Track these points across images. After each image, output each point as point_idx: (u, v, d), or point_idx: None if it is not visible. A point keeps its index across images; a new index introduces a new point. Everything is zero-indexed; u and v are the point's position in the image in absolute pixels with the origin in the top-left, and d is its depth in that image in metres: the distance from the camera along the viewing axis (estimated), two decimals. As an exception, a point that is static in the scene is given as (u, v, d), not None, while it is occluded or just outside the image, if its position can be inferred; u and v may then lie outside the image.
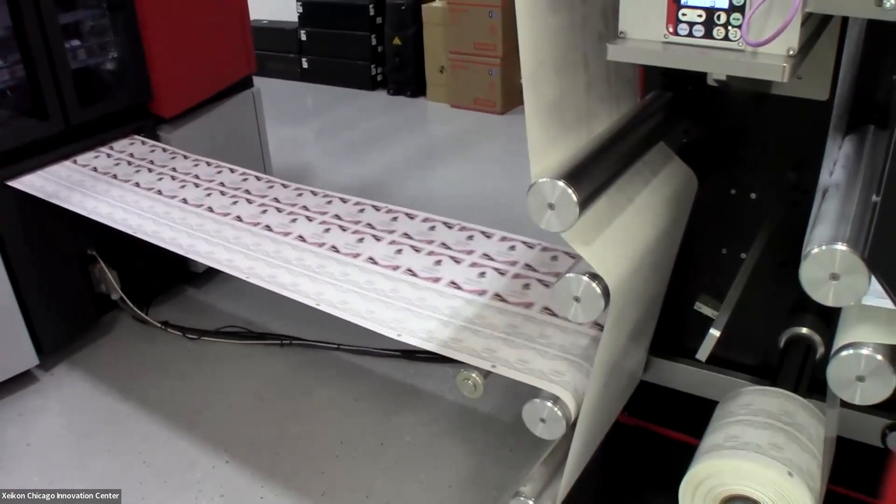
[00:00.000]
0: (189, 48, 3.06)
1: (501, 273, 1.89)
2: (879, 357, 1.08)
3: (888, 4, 0.93)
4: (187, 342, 3.01)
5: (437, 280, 1.87)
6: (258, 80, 3.50)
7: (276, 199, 2.37)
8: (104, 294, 2.98)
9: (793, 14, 0.96)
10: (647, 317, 1.68)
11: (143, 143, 2.89)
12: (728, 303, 1.51)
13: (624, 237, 1.34)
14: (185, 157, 2.74)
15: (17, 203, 2.57)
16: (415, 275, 1.90)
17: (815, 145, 1.40)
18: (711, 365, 1.70)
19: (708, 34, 1.05)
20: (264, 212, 2.30)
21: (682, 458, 1.33)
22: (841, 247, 1.02)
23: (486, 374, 1.56)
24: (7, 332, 2.62)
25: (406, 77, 5.93)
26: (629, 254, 1.34)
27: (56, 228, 2.69)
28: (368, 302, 1.80)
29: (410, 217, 2.19)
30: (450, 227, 2.11)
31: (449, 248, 2.01)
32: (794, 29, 0.98)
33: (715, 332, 1.44)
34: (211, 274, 3.27)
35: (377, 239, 2.07)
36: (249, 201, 2.38)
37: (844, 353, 1.10)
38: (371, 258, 1.98)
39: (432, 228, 2.11)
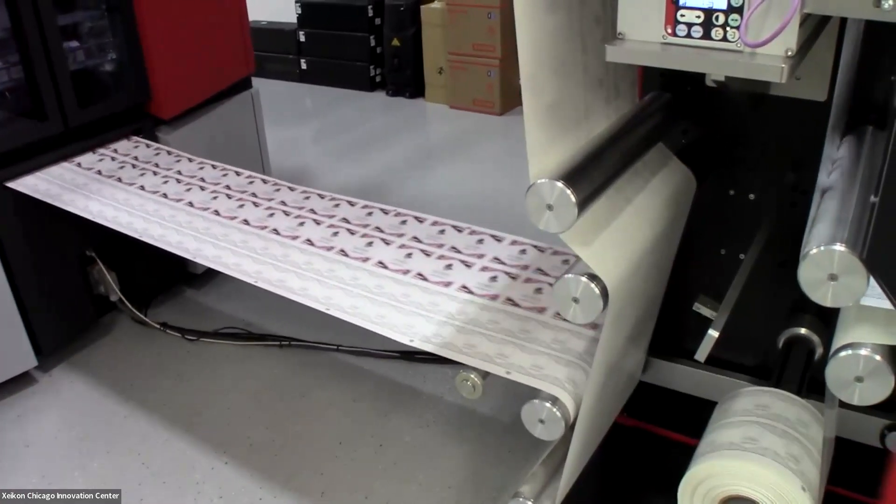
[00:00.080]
0: (188, 49, 3.06)
1: (513, 277, 1.87)
2: (878, 357, 1.08)
3: (886, 5, 0.93)
4: (186, 343, 3.01)
5: (448, 284, 1.85)
6: (257, 81, 3.50)
7: (284, 203, 2.35)
8: (103, 295, 2.98)
9: (791, 15, 0.96)
10: (646, 317, 1.68)
11: (148, 146, 2.87)
12: (727, 303, 1.52)
13: (623, 238, 1.34)
14: (191, 160, 2.72)
15: (16, 204, 2.57)
16: (425, 279, 1.88)
17: (813, 146, 1.40)
18: (710, 365, 1.70)
19: (706, 35, 1.05)
20: (272, 215, 2.28)
21: (681, 458, 1.33)
22: (839, 247, 1.02)
23: (485, 375, 1.56)
24: (6, 334, 2.62)
25: (405, 78, 5.93)
26: (628, 254, 1.34)
27: (55, 230, 2.69)
28: (379, 306, 1.78)
29: (419, 220, 2.17)
30: (459, 230, 2.09)
31: (459, 251, 1.99)
32: (793, 30, 0.98)
33: (714, 333, 1.45)
34: (210, 275, 3.27)
35: (386, 243, 2.06)
36: (256, 204, 2.36)
37: (843, 353, 1.11)
38: (381, 262, 1.96)
39: (442, 232, 2.09)
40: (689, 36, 1.06)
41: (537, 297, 1.79)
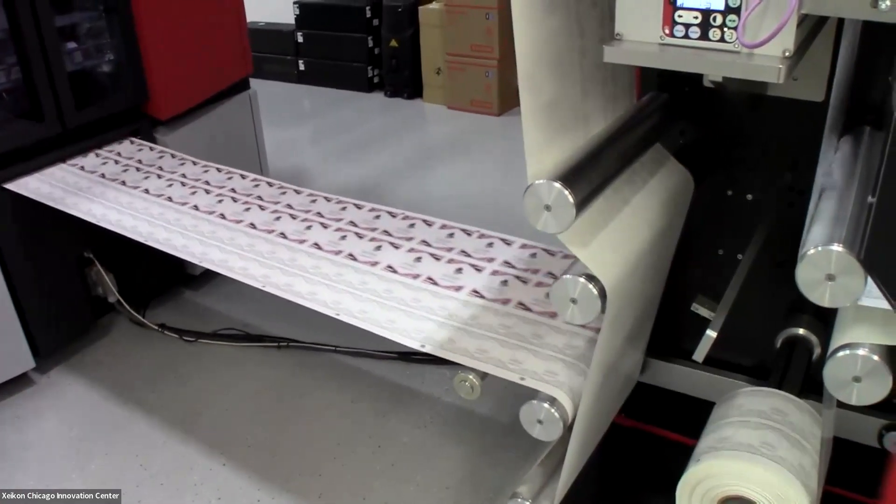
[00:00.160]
0: (185, 50, 3.06)
1: (524, 281, 1.85)
2: (876, 358, 1.08)
3: (883, 6, 0.93)
4: (184, 345, 3.00)
5: (459, 289, 1.83)
6: (255, 82, 3.50)
7: (290, 206, 2.33)
8: (101, 297, 2.98)
9: (788, 15, 0.96)
10: (644, 318, 1.68)
11: (151, 148, 2.86)
12: (725, 304, 1.52)
13: (620, 238, 1.34)
14: (195, 164, 2.70)
15: (14, 206, 2.57)
16: (436, 283, 1.86)
17: (811, 146, 1.41)
18: (708, 366, 1.70)
19: (704, 36, 1.05)
20: (278, 219, 2.25)
21: (680, 459, 1.33)
22: (837, 248, 1.02)
23: (483, 376, 1.55)
24: (3, 335, 2.62)
25: (403, 79, 5.93)
26: (626, 255, 1.34)
27: (53, 231, 2.69)
28: (388, 311, 1.77)
29: (428, 224, 2.14)
30: (469, 234, 2.08)
31: (469, 255, 1.97)
32: (790, 30, 0.98)
33: (711, 333, 1.45)
34: (208, 276, 3.27)
35: (395, 247, 2.04)
36: (262, 208, 2.33)
37: (841, 353, 1.11)
38: (390, 266, 1.94)
39: (451, 235, 2.07)
40: (686, 36, 1.06)
41: (549, 301, 1.78)
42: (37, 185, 2.59)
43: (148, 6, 2.85)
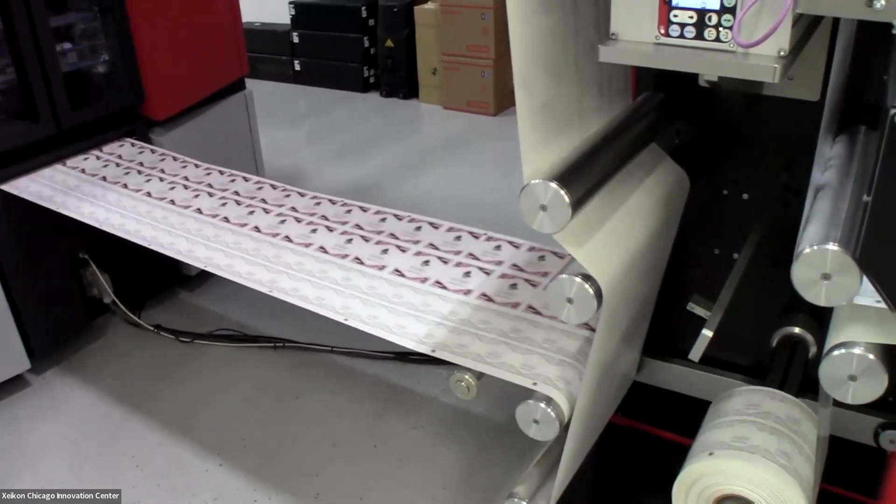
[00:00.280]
0: (181, 50, 3.06)
1: (533, 285, 1.84)
2: (871, 356, 1.08)
3: (878, 5, 0.93)
4: (180, 345, 3.00)
5: (468, 292, 1.82)
6: (250, 83, 3.50)
7: (294, 209, 2.30)
8: (96, 298, 2.97)
9: (783, 15, 0.96)
10: (640, 317, 1.68)
11: (153, 151, 2.84)
12: (721, 303, 1.52)
13: (616, 238, 1.34)
14: (197, 166, 2.67)
15: (8, 207, 2.56)
16: (444, 287, 1.84)
17: (806, 146, 1.41)
18: (704, 365, 1.70)
19: (699, 35, 1.05)
20: (283, 222, 2.23)
21: (676, 458, 1.33)
22: (832, 247, 1.02)
23: (480, 376, 1.55)
24: (-1, 336, 2.61)
25: (399, 79, 5.93)
26: (622, 255, 1.34)
27: (48, 232, 2.68)
28: (398, 316, 1.75)
29: (435, 227, 2.12)
30: (476, 236, 2.05)
31: (477, 258, 1.95)
32: (785, 30, 0.98)
33: (707, 333, 1.45)
34: (204, 277, 3.26)
35: (402, 250, 2.02)
36: (266, 211, 2.31)
37: (836, 352, 1.11)
38: (397, 270, 1.93)
39: (458, 238, 2.05)
40: (682, 36, 1.06)
41: None
42: (32, 186, 2.58)
43: (143, 7, 2.85)
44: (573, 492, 1.59)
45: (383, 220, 2.19)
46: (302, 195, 2.40)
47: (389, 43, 5.87)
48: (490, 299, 1.79)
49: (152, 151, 2.84)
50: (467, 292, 1.82)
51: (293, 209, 2.30)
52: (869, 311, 1.08)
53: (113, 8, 2.80)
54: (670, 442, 1.88)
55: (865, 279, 1.02)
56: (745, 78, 1.04)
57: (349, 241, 2.09)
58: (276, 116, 5.56)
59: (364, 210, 2.26)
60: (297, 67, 6.44)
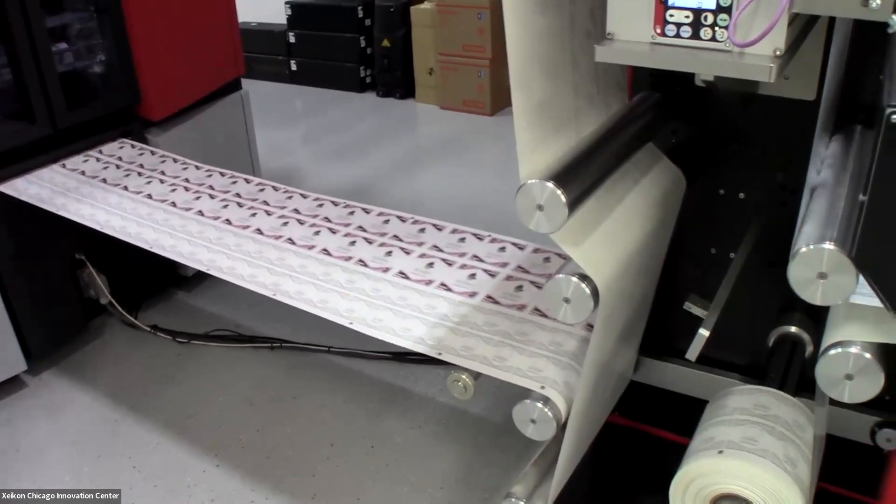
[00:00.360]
0: (177, 51, 3.05)
1: (539, 287, 1.83)
2: (868, 355, 1.09)
3: (874, 4, 0.94)
4: (177, 346, 3.00)
5: (473, 295, 1.81)
6: (246, 83, 3.49)
7: (297, 210, 2.29)
8: (93, 299, 2.97)
9: (779, 14, 0.96)
10: (637, 317, 1.68)
11: (153, 153, 2.82)
12: (717, 302, 1.52)
13: (613, 238, 1.34)
14: (198, 168, 2.66)
15: (5, 207, 2.55)
16: (449, 289, 1.83)
17: (802, 145, 1.41)
18: (701, 364, 1.71)
19: (695, 35, 1.05)
20: (285, 224, 2.22)
21: (673, 457, 1.33)
22: (828, 246, 1.02)
23: (477, 376, 1.55)
24: (-5, 338, 2.61)
25: (395, 79, 5.93)
26: (618, 254, 1.34)
27: (44, 233, 2.68)
28: (403, 319, 1.73)
29: (438, 228, 2.11)
30: (480, 238, 2.04)
31: (482, 260, 1.94)
32: (781, 29, 0.98)
33: (704, 332, 1.45)
34: (200, 277, 3.26)
35: (406, 252, 2.00)
36: (269, 213, 2.29)
37: (833, 351, 1.11)
38: (402, 272, 1.92)
39: (462, 240, 2.04)
40: (678, 36, 1.06)
41: None
42: (28, 187, 2.58)
43: (139, 7, 2.84)
44: (570, 491, 1.59)
45: (386, 221, 2.18)
46: (304, 197, 2.38)
47: (386, 43, 5.86)
48: (496, 301, 1.78)
49: (153, 153, 2.82)
50: (472, 294, 1.81)
51: (296, 211, 2.29)
52: (865, 311, 1.08)
53: (109, 8, 2.80)
54: (667, 441, 1.88)
55: (861, 278, 1.02)
56: (741, 77, 1.04)
57: (352, 243, 2.08)
58: (273, 117, 5.56)
59: (367, 212, 2.24)
60: (294, 67, 6.44)
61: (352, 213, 2.25)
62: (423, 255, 1.99)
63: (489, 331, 1.67)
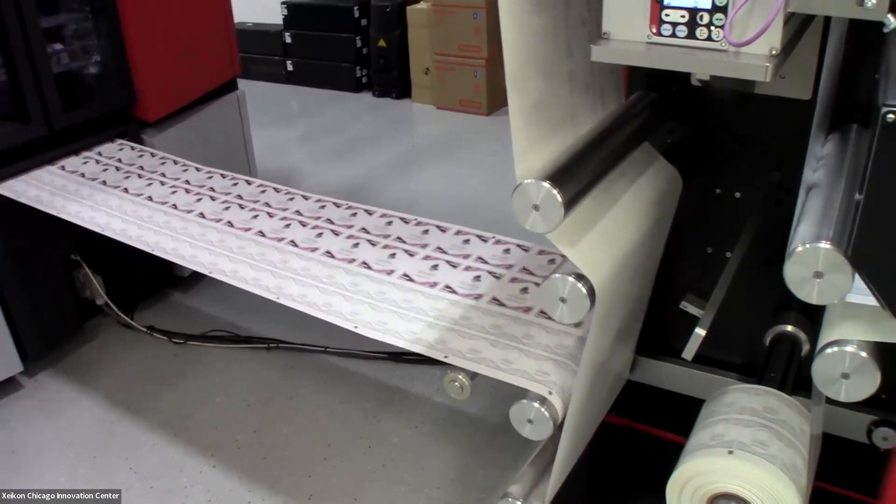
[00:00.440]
0: (173, 51, 3.05)
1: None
2: (864, 354, 1.09)
3: (869, 4, 0.94)
4: (173, 347, 2.99)
5: (478, 297, 1.79)
6: (243, 83, 3.49)
7: (299, 212, 2.27)
8: (89, 299, 2.96)
9: (775, 14, 0.96)
10: (633, 316, 1.68)
11: (153, 154, 2.80)
12: (713, 302, 1.52)
13: (609, 237, 1.34)
14: (198, 170, 2.64)
15: (0, 208, 2.55)
16: (454, 292, 1.82)
17: (798, 144, 1.41)
18: (698, 364, 1.71)
19: (691, 35, 1.05)
20: (287, 226, 2.20)
21: (670, 457, 1.34)
22: (825, 245, 1.03)
23: (473, 376, 1.55)
24: (-9, 339, 2.60)
25: (391, 79, 5.93)
26: (614, 254, 1.34)
27: (39, 233, 2.67)
28: (408, 322, 1.71)
29: (442, 230, 2.10)
30: (485, 240, 2.03)
31: (486, 262, 1.93)
32: (777, 29, 0.98)
33: (701, 331, 1.45)
34: (196, 278, 3.26)
35: (410, 254, 1.99)
36: (270, 215, 2.27)
37: (829, 350, 1.11)
38: (406, 275, 1.90)
39: (466, 242, 2.03)
40: (673, 35, 1.07)
41: None
42: (23, 188, 2.57)
43: (134, 7, 2.84)
44: (568, 491, 1.59)
45: (389, 223, 2.16)
46: (306, 198, 2.36)
47: (382, 43, 5.86)
48: (501, 304, 1.77)
49: (152, 155, 2.81)
50: (478, 297, 1.80)
51: (297, 213, 2.27)
52: (861, 309, 1.09)
53: (104, 8, 2.79)
54: (664, 440, 1.88)
55: (857, 277, 1.02)
56: (736, 77, 1.04)
57: (356, 245, 2.06)
58: (269, 117, 5.56)
59: (370, 213, 2.23)
60: (290, 68, 6.43)
61: (354, 214, 2.23)
62: (427, 258, 1.98)
63: (495, 333, 1.66)
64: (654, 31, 1.08)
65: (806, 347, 1.57)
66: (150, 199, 2.45)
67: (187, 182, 2.56)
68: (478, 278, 1.87)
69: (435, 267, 1.93)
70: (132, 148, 2.87)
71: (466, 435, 2.49)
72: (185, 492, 2.32)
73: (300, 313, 1.81)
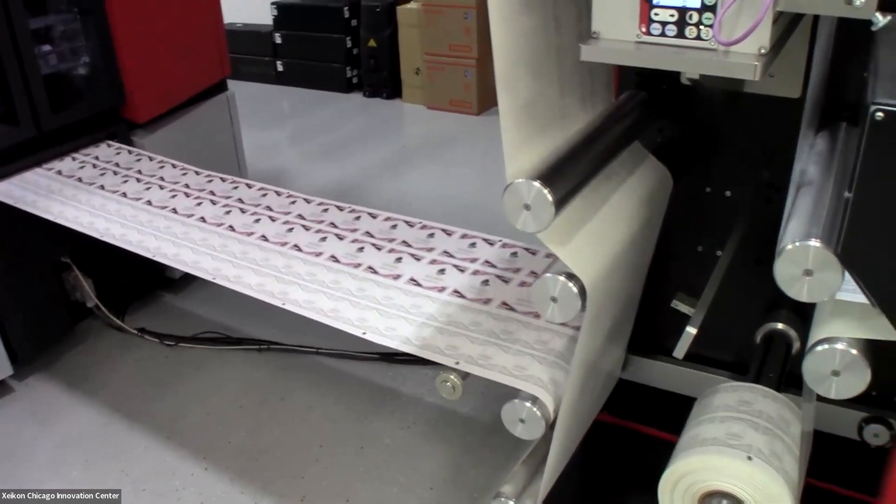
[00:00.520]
0: (162, 52, 3.04)
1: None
2: (854, 351, 1.09)
3: (858, 2, 0.94)
4: (164, 349, 2.98)
5: (487, 301, 1.78)
6: (233, 84, 3.48)
7: (301, 216, 2.24)
8: (79, 302, 2.95)
9: (763, 13, 0.97)
10: (625, 315, 1.68)
11: (151, 158, 2.77)
12: (704, 300, 1.52)
13: (600, 237, 1.35)
14: (198, 174, 2.61)
15: (-11, 211, 2.54)
16: (462, 296, 1.80)
17: (788, 142, 1.41)
18: (689, 362, 1.71)
19: (680, 34, 1.06)
20: (290, 230, 2.17)
21: (662, 455, 1.34)
22: (814, 243, 1.03)
23: (465, 376, 1.55)
24: (-20, 342, 2.59)
25: (382, 79, 5.92)
26: (605, 253, 1.35)
27: (29, 236, 2.65)
28: (417, 327, 1.69)
29: (448, 234, 2.07)
30: (491, 243, 2.01)
31: (494, 266, 1.91)
32: (766, 27, 0.99)
33: (692, 330, 1.45)
34: (187, 279, 3.25)
35: (416, 258, 1.96)
36: (273, 219, 2.24)
37: (819, 348, 1.11)
38: (413, 279, 1.88)
39: (473, 245, 2.01)
40: (663, 35, 1.07)
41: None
42: (12, 190, 2.56)
43: (123, 8, 2.83)
44: (560, 490, 1.59)
45: (394, 226, 2.14)
46: (308, 202, 2.34)
47: (372, 43, 5.86)
48: (511, 308, 1.75)
49: (150, 159, 2.77)
50: (487, 301, 1.78)
51: (300, 216, 2.25)
52: (851, 307, 1.09)
53: (93, 9, 2.78)
54: (656, 439, 1.89)
55: (847, 275, 1.03)
56: (726, 76, 1.05)
57: (361, 249, 2.04)
58: (259, 118, 5.54)
59: (373, 217, 2.20)
60: (280, 68, 6.42)
61: (358, 217, 2.21)
62: (433, 262, 1.95)
63: (506, 339, 1.64)
64: (644, 30, 1.08)
65: (797, 345, 1.57)
66: (149, 203, 2.42)
67: (187, 186, 2.53)
68: (486, 282, 1.85)
69: (442, 271, 1.91)
70: (129, 151, 2.85)
71: (458, 435, 2.49)
72: (178, 494, 2.32)
73: (292, 315, 1.81)
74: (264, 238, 2.14)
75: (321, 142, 5.18)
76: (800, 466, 1.27)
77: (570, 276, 1.25)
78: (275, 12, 6.29)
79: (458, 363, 1.56)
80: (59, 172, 2.69)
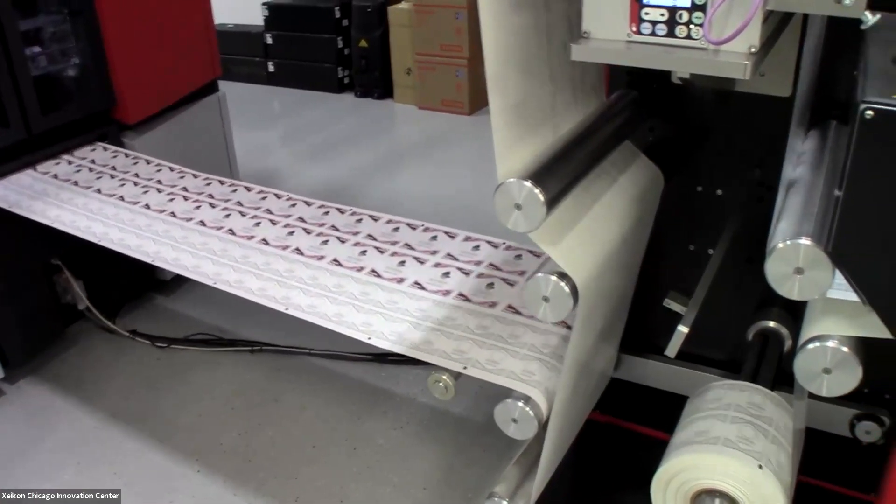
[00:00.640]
0: (153, 53, 3.03)
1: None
2: (845, 349, 1.10)
3: (847, 1, 0.94)
4: (156, 351, 2.97)
5: (493, 305, 1.77)
6: (224, 85, 3.47)
7: (302, 219, 2.22)
8: (70, 304, 2.94)
9: (753, 12, 0.97)
10: (617, 314, 1.69)
11: (149, 161, 2.75)
12: (696, 299, 1.53)
13: (591, 236, 1.35)
14: (196, 176, 2.60)
15: (-21, 213, 2.53)
16: (468, 300, 1.79)
17: (778, 141, 1.42)
18: (681, 361, 1.72)
19: (671, 33, 1.06)
20: (291, 233, 2.16)
21: (655, 453, 1.34)
22: (805, 241, 1.03)
23: (457, 376, 1.55)
24: (-29, 345, 2.58)
25: (373, 79, 5.92)
26: (597, 252, 1.35)
27: (19, 238, 2.64)
28: (424, 332, 1.68)
29: (451, 236, 2.06)
30: (495, 246, 2.00)
31: (499, 269, 1.90)
32: (755, 26, 0.99)
33: (683, 328, 1.45)
34: (179, 281, 3.24)
35: (420, 262, 1.96)
36: (273, 222, 2.23)
37: (811, 345, 1.12)
38: (417, 283, 1.87)
39: (476, 248, 2.00)
40: (653, 34, 1.07)
41: None
42: (2, 192, 2.55)
43: (113, 9, 2.82)
44: (553, 490, 1.59)
45: (396, 229, 2.13)
46: (308, 204, 2.32)
47: (363, 43, 5.86)
48: (517, 311, 1.74)
49: (147, 162, 2.75)
50: (492, 304, 1.78)
51: (301, 219, 2.23)
52: (842, 305, 1.09)
53: (83, 11, 2.77)
54: (649, 437, 1.89)
55: (838, 273, 1.03)
56: (716, 75, 1.05)
57: (363, 252, 2.03)
58: (251, 118, 5.53)
59: (375, 219, 2.19)
60: (271, 69, 6.41)
61: (359, 220, 2.20)
62: (437, 265, 1.95)
63: (513, 343, 1.63)
64: (634, 29, 1.08)
65: (788, 343, 1.58)
66: (147, 206, 2.41)
67: (185, 189, 2.52)
68: (491, 286, 1.85)
69: (447, 274, 1.90)
70: (126, 155, 2.83)
71: (451, 435, 2.49)
72: (171, 497, 2.31)
73: (285, 316, 1.80)
74: (265, 242, 2.13)
75: (312, 142, 5.17)
76: (792, 463, 1.28)
77: (562, 276, 1.25)
78: (266, 13, 6.28)
79: (465, 368, 1.55)
80: (55, 176, 2.67)
